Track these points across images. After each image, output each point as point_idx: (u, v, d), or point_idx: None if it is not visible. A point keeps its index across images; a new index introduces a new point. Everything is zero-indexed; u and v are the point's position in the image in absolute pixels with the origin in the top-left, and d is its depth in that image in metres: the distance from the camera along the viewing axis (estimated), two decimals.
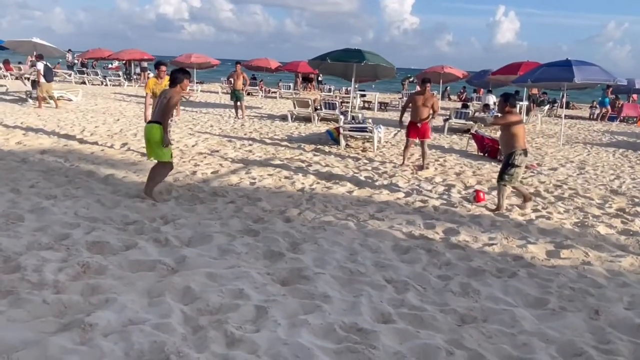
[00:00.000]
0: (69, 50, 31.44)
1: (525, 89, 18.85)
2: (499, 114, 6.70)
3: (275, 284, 3.92)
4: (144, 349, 2.84)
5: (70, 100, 16.74)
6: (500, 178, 6.46)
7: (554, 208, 6.86)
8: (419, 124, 8.95)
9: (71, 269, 3.83)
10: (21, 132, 10.44)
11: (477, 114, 12.12)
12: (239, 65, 16.79)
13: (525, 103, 19.94)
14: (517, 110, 7.26)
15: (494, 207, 6.60)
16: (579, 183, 8.64)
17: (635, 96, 25.05)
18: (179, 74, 6.12)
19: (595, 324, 3.55)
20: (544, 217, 6.36)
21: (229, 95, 18.65)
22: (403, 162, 9.30)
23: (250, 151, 9.97)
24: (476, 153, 11.24)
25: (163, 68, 8.97)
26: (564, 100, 21.07)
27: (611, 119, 21.90)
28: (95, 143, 9.75)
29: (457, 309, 3.65)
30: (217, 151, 9.73)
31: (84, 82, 25.98)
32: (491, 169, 9.41)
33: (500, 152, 9.94)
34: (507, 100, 6.46)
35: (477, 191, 7.18)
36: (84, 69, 28.27)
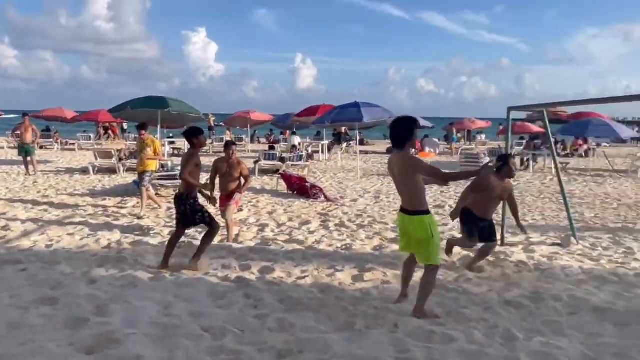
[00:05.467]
0: None
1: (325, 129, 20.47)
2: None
3: (79, 354, 3.55)
4: None
5: None
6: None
7: (357, 236, 7.51)
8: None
9: None
10: None
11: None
12: (26, 116, 15.18)
13: (326, 142, 21.62)
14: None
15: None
16: (376, 211, 9.61)
17: None
18: None
19: (396, 337, 3.94)
20: (349, 246, 6.92)
21: (17, 149, 16.64)
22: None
23: (45, 210, 8.99)
24: (286, 192, 11.78)
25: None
26: (359, 137, 23.41)
27: None
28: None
29: (275, 345, 3.74)
30: (3, 214, 8.56)
31: None
32: (301, 206, 9.94)
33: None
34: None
35: None
36: None
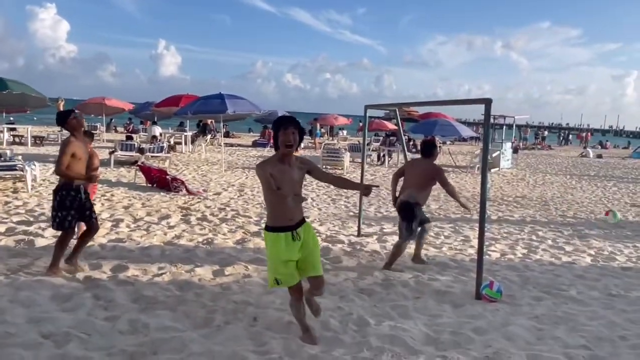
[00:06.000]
0: None
1: (189, 120, 19.83)
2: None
3: None
4: None
5: None
6: None
7: (219, 229, 7.39)
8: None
9: None
10: None
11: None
12: None
13: (190, 133, 20.97)
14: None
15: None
16: (240, 204, 9.56)
17: None
18: None
19: (254, 330, 3.96)
20: (210, 240, 6.79)
21: None
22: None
23: None
24: (145, 184, 11.19)
25: None
26: (224, 129, 23.05)
27: (263, 145, 24.98)
28: None
29: (126, 349, 3.53)
30: None
31: None
32: (160, 199, 9.52)
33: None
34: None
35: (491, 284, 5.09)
36: None
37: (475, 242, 7.27)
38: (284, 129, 3.51)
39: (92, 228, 5.36)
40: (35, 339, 3.61)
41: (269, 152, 22.78)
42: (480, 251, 5.08)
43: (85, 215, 5.25)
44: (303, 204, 3.82)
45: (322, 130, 33.68)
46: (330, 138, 33.65)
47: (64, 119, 5.21)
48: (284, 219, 3.61)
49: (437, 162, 6.39)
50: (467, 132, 22.00)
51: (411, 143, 25.94)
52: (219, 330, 3.91)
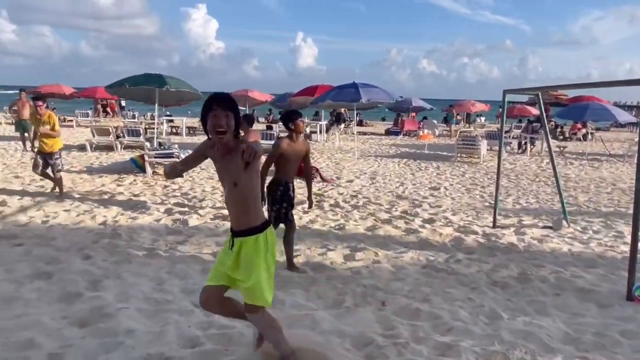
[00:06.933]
0: None
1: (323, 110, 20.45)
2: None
3: (73, 327, 3.63)
4: None
5: None
6: None
7: (351, 216, 7.58)
8: None
9: None
10: None
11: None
12: (23, 92, 15.14)
13: (324, 122, 21.60)
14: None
15: None
16: (371, 192, 9.67)
17: (414, 113, 28.88)
18: None
19: (382, 314, 4.03)
20: (342, 226, 6.99)
21: (14, 126, 16.58)
22: None
23: (42, 186, 9.02)
24: None
25: (40, 103, 8.13)
26: (357, 118, 23.36)
27: (395, 134, 24.86)
28: None
29: None
30: (0, 190, 8.61)
31: None
32: (296, 185, 9.96)
33: None
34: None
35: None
36: None
37: (629, 239, 6.58)
38: (213, 111, 2.72)
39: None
40: (188, 307, 4.07)
41: (401, 140, 22.63)
42: (634, 248, 4.59)
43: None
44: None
45: (458, 117, 32.52)
46: (467, 125, 32.36)
47: (292, 118, 5.05)
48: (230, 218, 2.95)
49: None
50: (625, 116, 19.68)
51: (558, 130, 23.98)
52: (348, 312, 4.05)
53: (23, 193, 8.43)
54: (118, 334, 3.51)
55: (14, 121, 18.10)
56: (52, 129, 8.06)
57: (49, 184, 8.90)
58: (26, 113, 14.32)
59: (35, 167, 8.22)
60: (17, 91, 15.76)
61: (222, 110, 2.71)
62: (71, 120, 25.26)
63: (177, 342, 3.44)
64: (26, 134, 14.27)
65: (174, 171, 2.83)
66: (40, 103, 8.17)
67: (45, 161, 8.17)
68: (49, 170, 8.27)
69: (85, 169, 11.37)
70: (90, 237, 6.08)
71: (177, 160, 10.70)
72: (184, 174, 2.55)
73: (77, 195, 8.38)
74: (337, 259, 5.52)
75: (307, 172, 5.61)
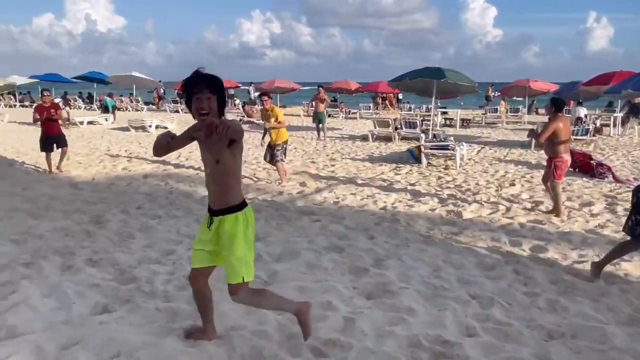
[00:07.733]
0: (160, 81, 33.44)
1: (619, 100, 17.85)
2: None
3: (361, 297, 4.11)
4: (245, 352, 3.13)
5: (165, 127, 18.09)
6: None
7: None
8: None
9: (177, 281, 4.26)
10: (125, 159, 11.50)
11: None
12: (321, 88, 17.36)
13: (619, 114, 18.87)
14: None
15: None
16: None
17: None
18: None
19: None
20: None
21: (311, 117, 19.22)
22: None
23: (332, 171, 10.29)
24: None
25: (265, 98, 9.09)
26: None
27: None
28: (191, 167, 10.52)
29: (545, 325, 3.64)
30: (302, 172, 10.14)
31: (177, 111, 27.74)
32: (582, 185, 9.04)
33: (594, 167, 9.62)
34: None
35: None
36: (177, 99, 30.09)
37: None
38: (196, 95, 2.76)
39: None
40: (464, 296, 4.15)
41: None
42: None
43: None
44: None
45: None
46: None
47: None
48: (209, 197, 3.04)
49: None
50: None
51: None
52: None
53: (317, 177, 9.75)
54: (400, 310, 3.81)
55: (311, 113, 20.98)
56: (276, 121, 8.61)
57: (338, 170, 10.07)
58: (322, 106, 16.45)
59: (265, 156, 9.08)
60: (316, 87, 18.16)
61: (203, 93, 2.75)
62: (355, 113, 27.92)
63: (454, 327, 3.56)
64: (321, 125, 16.36)
65: (165, 139, 2.87)
66: (265, 98, 8.89)
67: (272, 151, 8.78)
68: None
69: (367, 157, 12.47)
70: (373, 219, 6.69)
71: (452, 152, 10.85)
72: (169, 152, 2.62)
73: (360, 181, 9.28)
74: (632, 271, 4.82)
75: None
